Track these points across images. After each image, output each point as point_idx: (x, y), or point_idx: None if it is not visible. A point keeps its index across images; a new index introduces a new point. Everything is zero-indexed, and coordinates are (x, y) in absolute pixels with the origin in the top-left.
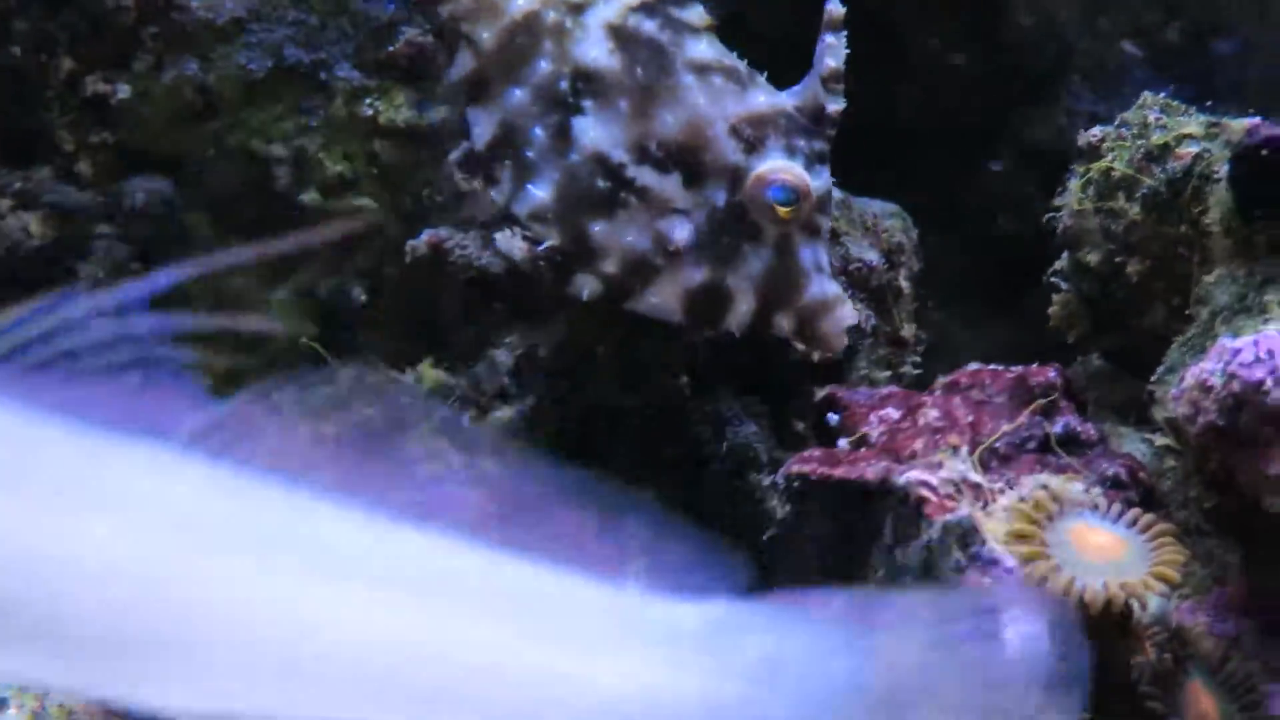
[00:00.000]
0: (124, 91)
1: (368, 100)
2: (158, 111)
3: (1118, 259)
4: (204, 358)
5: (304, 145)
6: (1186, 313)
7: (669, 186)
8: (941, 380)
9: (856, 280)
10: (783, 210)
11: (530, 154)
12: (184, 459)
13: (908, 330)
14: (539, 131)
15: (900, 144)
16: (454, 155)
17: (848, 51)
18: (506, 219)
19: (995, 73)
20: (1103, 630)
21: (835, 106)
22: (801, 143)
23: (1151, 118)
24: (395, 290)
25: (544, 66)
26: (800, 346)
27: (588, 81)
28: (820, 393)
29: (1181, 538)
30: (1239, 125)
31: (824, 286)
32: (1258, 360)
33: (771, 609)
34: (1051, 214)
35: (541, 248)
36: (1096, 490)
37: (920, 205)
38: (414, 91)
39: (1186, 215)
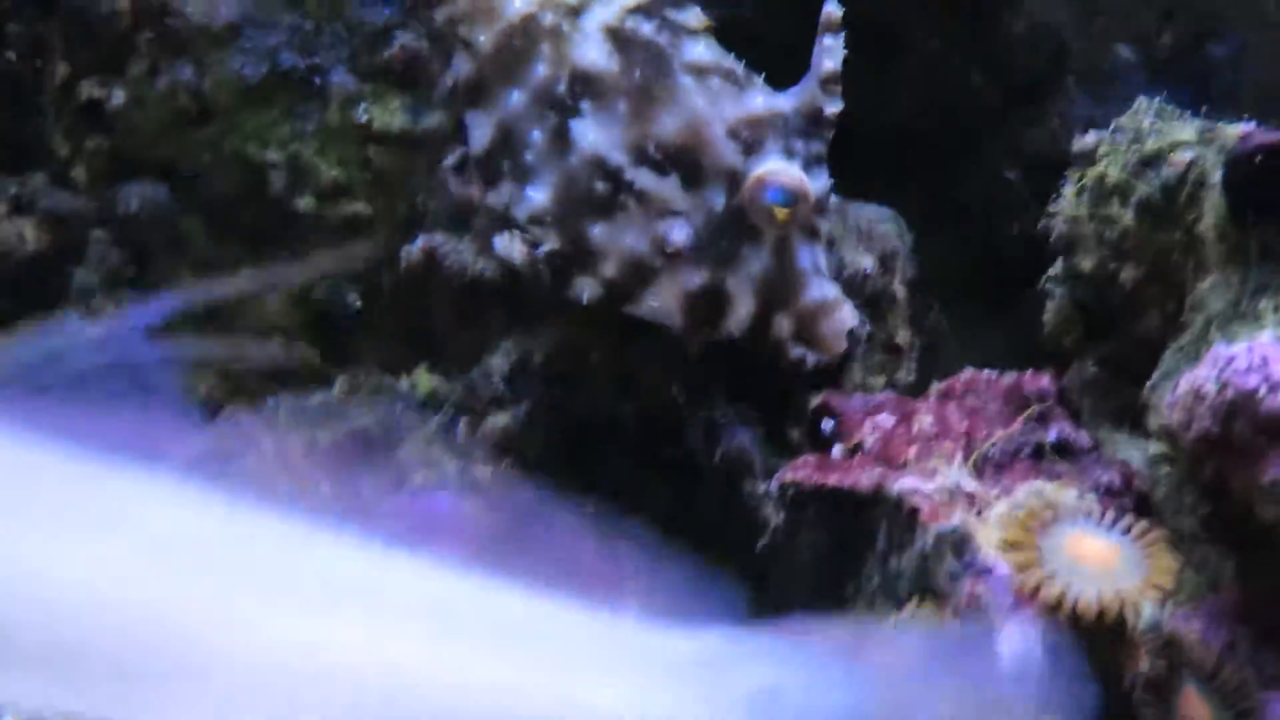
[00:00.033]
0: (119, 97)
1: (362, 106)
2: (152, 117)
3: (1112, 265)
4: (202, 382)
5: (299, 151)
6: (1181, 319)
7: (667, 188)
8: (936, 386)
9: (851, 287)
10: (781, 212)
11: (529, 157)
12: (181, 485)
13: (903, 336)
14: (537, 134)
15: (895, 147)
16: (448, 161)
17: (845, 53)
18: (505, 222)
19: (992, 76)
20: (1097, 638)
21: (833, 108)
22: (800, 145)
23: (1146, 123)
24: (390, 296)
25: (541, 69)
26: (800, 350)
27: (586, 84)
28: (815, 400)
29: (1175, 545)
30: (1232, 131)
31: (823, 288)
32: (1251, 368)
33: (770, 638)
34: (1047, 219)
35: (540, 251)
36: (1090, 497)
37: (915, 209)
38: (409, 97)
39: (1181, 222)
